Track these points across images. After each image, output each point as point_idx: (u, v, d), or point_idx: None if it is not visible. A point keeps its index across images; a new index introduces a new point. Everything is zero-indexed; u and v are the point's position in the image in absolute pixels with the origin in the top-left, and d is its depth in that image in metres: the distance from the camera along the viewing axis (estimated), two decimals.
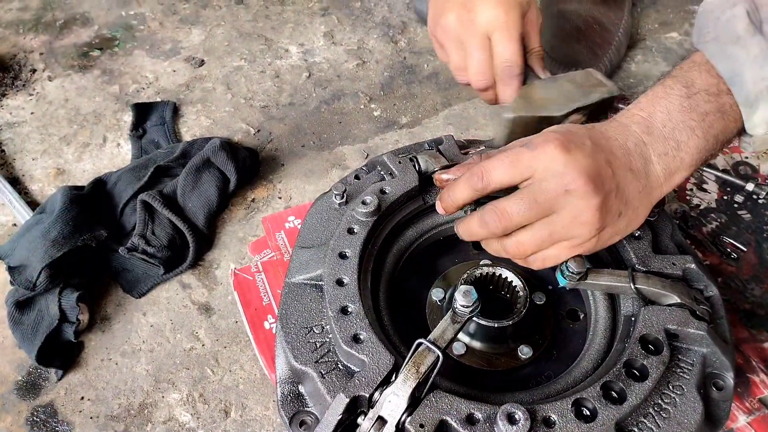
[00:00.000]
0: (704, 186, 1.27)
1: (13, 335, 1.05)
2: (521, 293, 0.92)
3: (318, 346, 0.84)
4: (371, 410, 0.74)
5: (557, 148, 0.77)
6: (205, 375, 1.04)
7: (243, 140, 1.40)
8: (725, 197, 1.25)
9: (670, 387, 0.79)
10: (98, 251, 1.14)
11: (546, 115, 0.99)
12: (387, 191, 0.99)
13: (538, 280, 1.00)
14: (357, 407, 0.76)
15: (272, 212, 1.25)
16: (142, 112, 1.44)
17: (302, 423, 0.82)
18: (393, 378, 0.76)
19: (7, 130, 1.42)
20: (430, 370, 0.75)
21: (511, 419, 0.72)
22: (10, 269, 1.07)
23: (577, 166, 0.77)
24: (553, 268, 0.88)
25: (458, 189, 0.85)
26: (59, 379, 1.03)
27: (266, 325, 1.03)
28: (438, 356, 0.75)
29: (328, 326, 0.86)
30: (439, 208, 0.90)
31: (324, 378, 0.81)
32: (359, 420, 0.75)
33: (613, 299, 0.95)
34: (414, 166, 1.02)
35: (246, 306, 1.06)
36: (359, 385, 0.76)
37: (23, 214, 1.22)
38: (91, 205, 1.18)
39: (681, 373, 0.81)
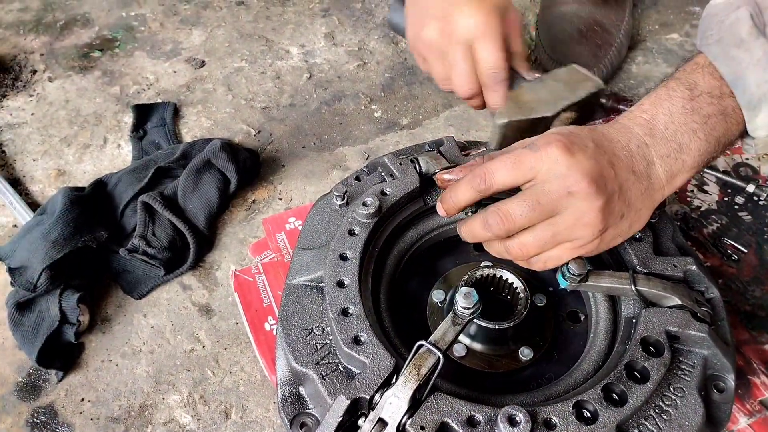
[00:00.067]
0: (705, 187, 1.27)
1: (13, 336, 1.05)
2: (522, 295, 0.92)
3: (318, 347, 0.84)
4: (372, 412, 0.74)
5: (560, 149, 0.77)
6: (206, 376, 1.04)
7: (243, 141, 1.40)
8: (726, 199, 1.25)
9: (671, 389, 0.79)
10: (99, 252, 1.14)
11: (538, 116, 0.99)
12: (388, 192, 0.99)
13: (538, 281, 1.00)
14: (358, 409, 0.76)
15: (273, 213, 1.25)
16: (143, 113, 1.44)
17: (303, 425, 0.82)
18: (394, 380, 0.76)
19: (7, 131, 1.42)
20: (430, 372, 0.75)
21: (512, 421, 0.72)
22: (11, 270, 1.07)
23: (580, 168, 0.77)
24: (554, 270, 0.88)
25: (460, 190, 0.85)
26: (59, 381, 1.03)
27: (267, 327, 1.03)
28: (439, 358, 0.75)
29: (328, 328, 0.86)
30: (440, 209, 0.90)
31: (324, 380, 0.80)
32: (360, 422, 0.75)
33: (613, 301, 0.95)
34: (415, 167, 1.02)
35: (246, 307, 1.06)
36: (360, 387, 0.76)
37: (24, 215, 1.22)
38: (91, 207, 1.18)
39: (682, 375, 0.81)
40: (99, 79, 1.54)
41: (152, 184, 1.24)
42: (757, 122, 0.82)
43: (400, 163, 1.02)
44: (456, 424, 0.74)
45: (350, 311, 0.84)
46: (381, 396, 0.75)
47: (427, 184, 1.02)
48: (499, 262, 0.95)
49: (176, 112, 1.46)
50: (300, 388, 0.85)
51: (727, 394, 0.83)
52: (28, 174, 1.34)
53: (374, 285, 0.95)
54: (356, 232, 0.93)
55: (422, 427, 0.73)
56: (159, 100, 1.48)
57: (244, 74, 1.55)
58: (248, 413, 0.99)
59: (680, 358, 0.82)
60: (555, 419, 0.74)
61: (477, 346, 0.93)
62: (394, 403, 0.73)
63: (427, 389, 0.75)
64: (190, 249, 1.16)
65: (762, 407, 0.94)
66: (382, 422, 0.73)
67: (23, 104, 1.48)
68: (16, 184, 1.31)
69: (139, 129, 1.41)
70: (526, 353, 0.93)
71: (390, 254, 1.00)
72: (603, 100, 1.37)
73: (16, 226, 1.24)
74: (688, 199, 1.25)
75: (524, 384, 0.91)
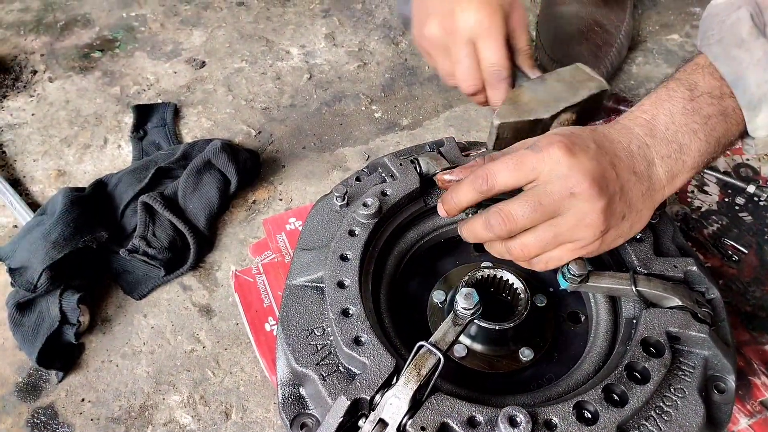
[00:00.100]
0: (705, 188, 1.27)
1: (13, 337, 1.05)
2: (522, 295, 0.92)
3: (319, 348, 0.84)
4: (372, 413, 0.74)
5: (562, 150, 0.77)
6: (206, 377, 1.04)
7: (244, 142, 1.40)
8: (726, 199, 1.25)
9: (672, 390, 0.79)
10: (99, 253, 1.14)
11: (534, 118, 0.98)
12: (388, 193, 0.98)
13: (539, 282, 1.00)
14: (358, 410, 0.76)
15: (273, 214, 1.25)
16: (143, 113, 1.44)
17: (303, 425, 0.82)
18: (394, 380, 0.76)
19: (8, 131, 1.42)
20: (431, 372, 0.75)
21: (513, 422, 0.72)
22: (11, 271, 1.07)
23: (582, 169, 0.77)
24: (555, 271, 0.88)
25: (462, 191, 0.85)
26: (60, 381, 1.03)
27: (267, 327, 1.03)
28: (439, 359, 0.75)
29: (329, 328, 0.85)
30: (440, 210, 0.90)
31: (325, 380, 0.80)
32: (360, 422, 0.75)
33: (614, 302, 0.95)
34: (415, 168, 1.02)
35: (247, 308, 1.06)
36: (360, 388, 0.76)
37: (24, 215, 1.22)
38: (91, 207, 1.18)
39: (682, 376, 0.81)
40: (99, 80, 1.54)
41: (152, 184, 1.24)
42: (758, 122, 0.82)
43: (401, 164, 1.02)
44: (456, 424, 0.73)
45: (351, 312, 0.84)
46: (381, 396, 0.75)
47: (428, 185, 1.02)
48: (499, 263, 0.95)
49: (176, 112, 1.46)
50: (300, 389, 0.85)
51: (728, 394, 0.83)
52: (29, 174, 1.34)
53: (375, 285, 0.95)
54: (357, 232, 0.93)
55: (423, 428, 0.73)
56: (159, 101, 1.48)
57: (245, 75, 1.55)
58: (248, 414, 0.99)
59: (681, 359, 0.82)
60: (555, 420, 0.74)
61: (477, 346, 0.93)
62: (394, 404, 0.73)
63: (428, 390, 0.75)
64: (190, 249, 1.16)
65: (762, 408, 0.94)
66: (382, 423, 0.73)
67: (23, 104, 1.48)
68: (17, 185, 1.31)
69: (139, 129, 1.41)
70: (526, 354, 0.93)
71: (390, 255, 1.00)
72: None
73: (16, 226, 1.24)
74: (689, 199, 1.25)
75: (525, 384, 0.91)
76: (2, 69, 1.54)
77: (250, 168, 1.29)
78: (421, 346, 0.77)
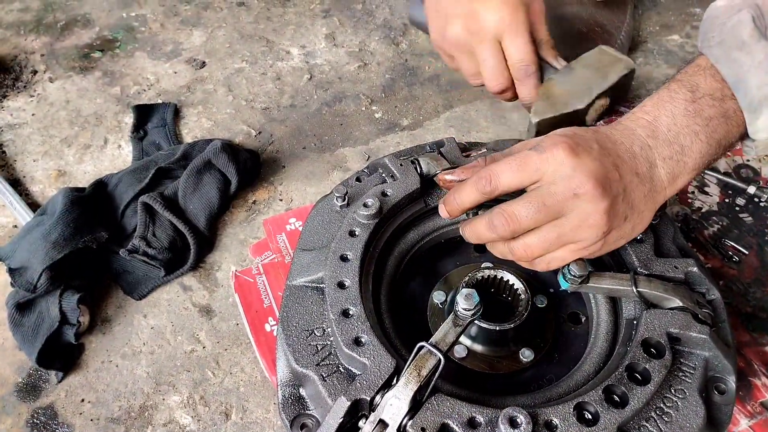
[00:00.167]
0: (706, 189, 1.27)
1: (13, 337, 1.05)
2: (523, 296, 0.91)
3: (319, 348, 0.84)
4: (372, 414, 0.74)
5: (566, 151, 0.77)
6: (206, 377, 1.03)
7: (244, 142, 1.40)
8: (727, 200, 1.25)
9: (672, 391, 0.79)
10: (99, 253, 1.14)
11: (571, 110, 0.98)
12: (388, 194, 0.98)
13: (539, 283, 1.00)
14: (358, 410, 0.76)
15: (273, 214, 1.25)
16: (143, 113, 1.44)
17: (303, 426, 0.82)
18: (394, 381, 0.76)
19: (8, 131, 1.42)
20: (431, 373, 0.75)
21: (513, 423, 0.72)
22: (11, 271, 1.07)
23: (586, 170, 0.77)
24: (555, 271, 0.88)
25: (465, 192, 0.85)
26: (59, 381, 1.02)
27: (267, 328, 1.03)
28: (439, 359, 0.75)
29: (329, 329, 0.85)
30: (442, 211, 0.90)
31: (325, 381, 0.80)
32: (360, 423, 0.75)
33: (614, 302, 0.95)
34: (415, 168, 1.02)
35: (247, 308, 1.06)
36: (360, 388, 0.76)
37: (24, 215, 1.22)
38: (92, 207, 1.18)
39: (683, 377, 0.81)
40: (99, 80, 1.54)
41: (153, 184, 1.23)
42: (758, 125, 0.82)
43: (401, 164, 1.02)
44: (457, 425, 0.73)
45: (351, 312, 0.84)
46: (382, 397, 0.75)
47: (428, 185, 1.02)
48: (499, 263, 0.95)
49: (177, 112, 1.46)
50: (300, 389, 0.85)
51: (728, 395, 0.83)
52: (29, 174, 1.34)
53: (375, 286, 0.95)
54: (357, 233, 0.93)
55: (423, 429, 0.73)
56: (159, 101, 1.48)
57: (245, 75, 1.55)
58: (248, 414, 0.99)
59: (681, 360, 0.82)
60: (556, 421, 0.74)
61: (478, 347, 0.93)
62: (394, 405, 0.73)
63: (428, 390, 0.75)
64: (190, 250, 1.16)
65: (763, 409, 0.94)
66: (382, 423, 0.73)
67: (24, 105, 1.48)
68: (17, 185, 1.31)
69: (139, 129, 1.41)
70: (526, 355, 0.92)
71: (391, 255, 1.00)
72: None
73: (16, 226, 1.24)
74: (689, 200, 1.25)
75: (525, 385, 0.91)
76: (2, 69, 1.54)
77: (250, 168, 1.29)
78: (422, 347, 0.76)
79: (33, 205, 1.26)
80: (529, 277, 0.95)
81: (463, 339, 0.93)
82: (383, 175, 1.05)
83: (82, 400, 1.01)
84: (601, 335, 0.92)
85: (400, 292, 1.00)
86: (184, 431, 0.98)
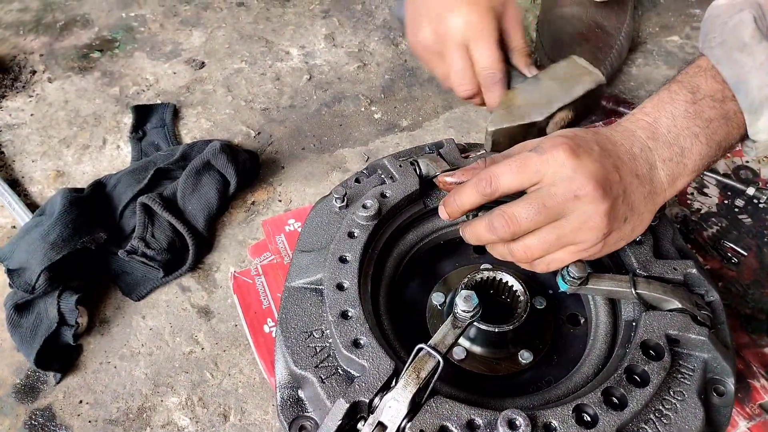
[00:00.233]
0: (705, 190, 1.27)
1: (11, 338, 1.05)
2: (522, 298, 0.91)
3: (318, 350, 0.84)
4: (371, 416, 0.74)
5: (566, 153, 0.77)
6: (204, 379, 1.03)
7: (243, 143, 1.40)
8: (726, 201, 1.25)
9: (671, 393, 0.79)
10: (97, 254, 1.14)
11: (527, 122, 0.97)
12: (387, 195, 0.98)
13: (538, 284, 1.00)
14: (357, 412, 0.76)
15: (272, 215, 1.25)
16: (142, 114, 1.44)
17: (302, 428, 0.82)
18: (393, 383, 0.76)
19: (6, 131, 1.42)
20: (430, 375, 0.75)
21: (512, 425, 0.72)
22: (9, 272, 1.07)
23: (586, 171, 0.77)
24: (554, 273, 0.88)
25: (465, 194, 0.84)
26: (58, 383, 1.02)
27: (266, 329, 1.03)
28: (438, 361, 0.75)
29: (328, 331, 0.85)
30: (442, 212, 0.89)
31: (324, 383, 0.80)
32: (359, 425, 0.75)
33: (613, 304, 0.95)
34: (415, 169, 1.02)
35: (246, 309, 1.06)
36: (359, 391, 0.75)
37: (23, 216, 1.22)
38: (90, 208, 1.18)
39: (682, 379, 0.81)
40: (98, 80, 1.54)
41: (151, 185, 1.23)
42: (759, 126, 0.82)
43: (400, 165, 1.02)
44: (455, 427, 0.73)
45: (350, 314, 0.84)
46: (380, 399, 0.75)
47: (427, 187, 1.02)
48: (499, 265, 0.95)
49: (176, 113, 1.46)
50: (299, 391, 0.85)
51: (727, 397, 0.83)
52: (27, 175, 1.34)
53: (374, 288, 0.95)
54: (356, 234, 0.93)
55: (422, 431, 0.72)
56: (158, 101, 1.48)
57: (244, 75, 1.55)
58: (247, 416, 0.99)
59: (680, 362, 0.82)
60: (555, 423, 0.74)
61: (477, 349, 0.93)
62: (393, 407, 0.73)
63: (427, 392, 0.75)
64: (189, 250, 1.16)
65: (762, 411, 0.94)
66: (381, 426, 0.73)
67: (22, 105, 1.48)
68: (15, 185, 1.31)
69: (138, 130, 1.41)
70: (525, 356, 0.92)
71: (390, 257, 1.00)
72: (603, 102, 1.35)
73: (14, 227, 1.24)
74: (688, 201, 1.25)
75: (524, 387, 0.91)
76: (1, 69, 1.54)
77: (249, 169, 1.29)
78: (421, 349, 0.76)
79: (32, 206, 1.26)
80: (528, 278, 0.95)
81: (462, 341, 0.93)
82: (382, 176, 1.05)
83: (81, 402, 1.01)
84: (600, 337, 0.92)
85: (399, 294, 0.99)
86: None
